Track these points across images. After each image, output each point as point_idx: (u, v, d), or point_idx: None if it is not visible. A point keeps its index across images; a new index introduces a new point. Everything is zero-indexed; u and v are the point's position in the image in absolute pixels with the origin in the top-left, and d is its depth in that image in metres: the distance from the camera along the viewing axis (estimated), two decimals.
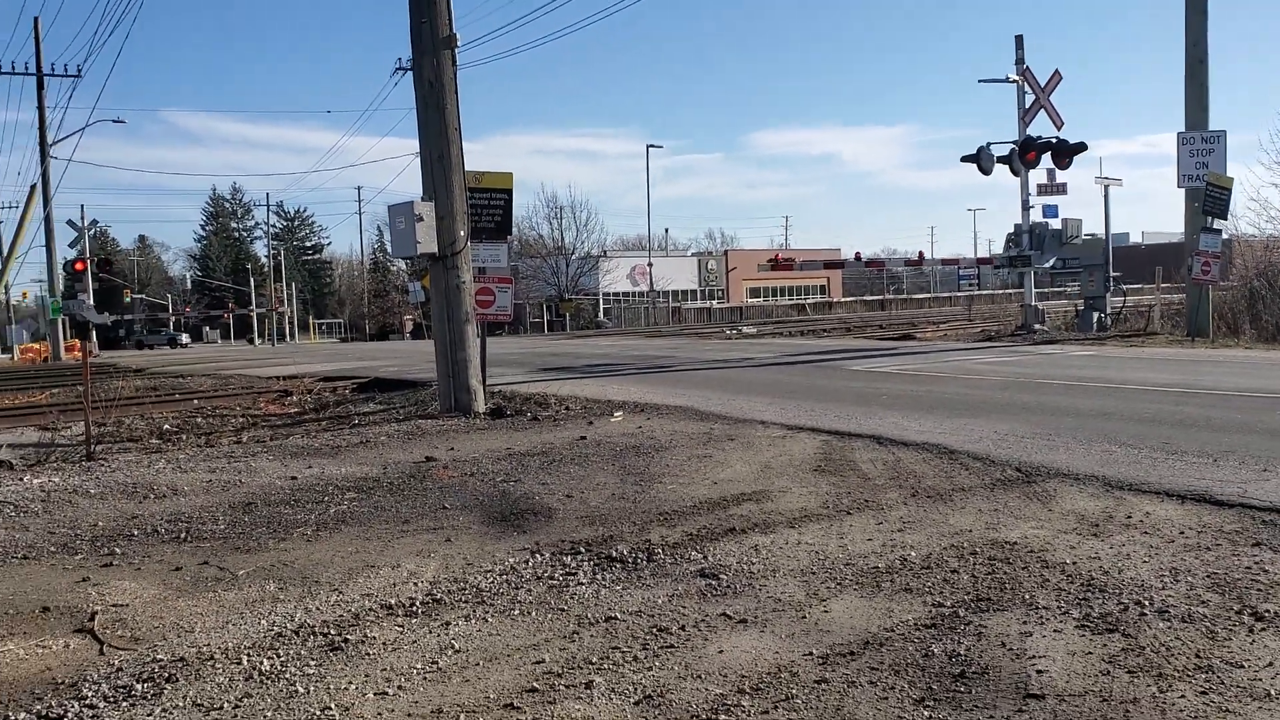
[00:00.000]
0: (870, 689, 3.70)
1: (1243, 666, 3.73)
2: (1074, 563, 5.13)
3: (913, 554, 5.39)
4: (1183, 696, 3.51)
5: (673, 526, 6.18)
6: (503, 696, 3.72)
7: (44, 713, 3.70)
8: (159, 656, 4.23)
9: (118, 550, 5.98)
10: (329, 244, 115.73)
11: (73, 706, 3.74)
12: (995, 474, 7.33)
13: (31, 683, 4.03)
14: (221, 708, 3.68)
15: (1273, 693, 3.50)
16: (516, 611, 4.71)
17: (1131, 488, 6.73)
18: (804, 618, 4.50)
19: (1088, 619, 4.31)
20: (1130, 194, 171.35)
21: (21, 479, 8.22)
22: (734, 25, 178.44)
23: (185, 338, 74.53)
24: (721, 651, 4.12)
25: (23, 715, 3.68)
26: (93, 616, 4.78)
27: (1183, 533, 5.63)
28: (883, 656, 4.00)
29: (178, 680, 3.95)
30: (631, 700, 3.67)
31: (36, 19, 45.31)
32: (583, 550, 5.70)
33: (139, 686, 3.90)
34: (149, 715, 3.63)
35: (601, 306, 69.98)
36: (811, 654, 4.05)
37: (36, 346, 51.60)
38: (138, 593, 5.17)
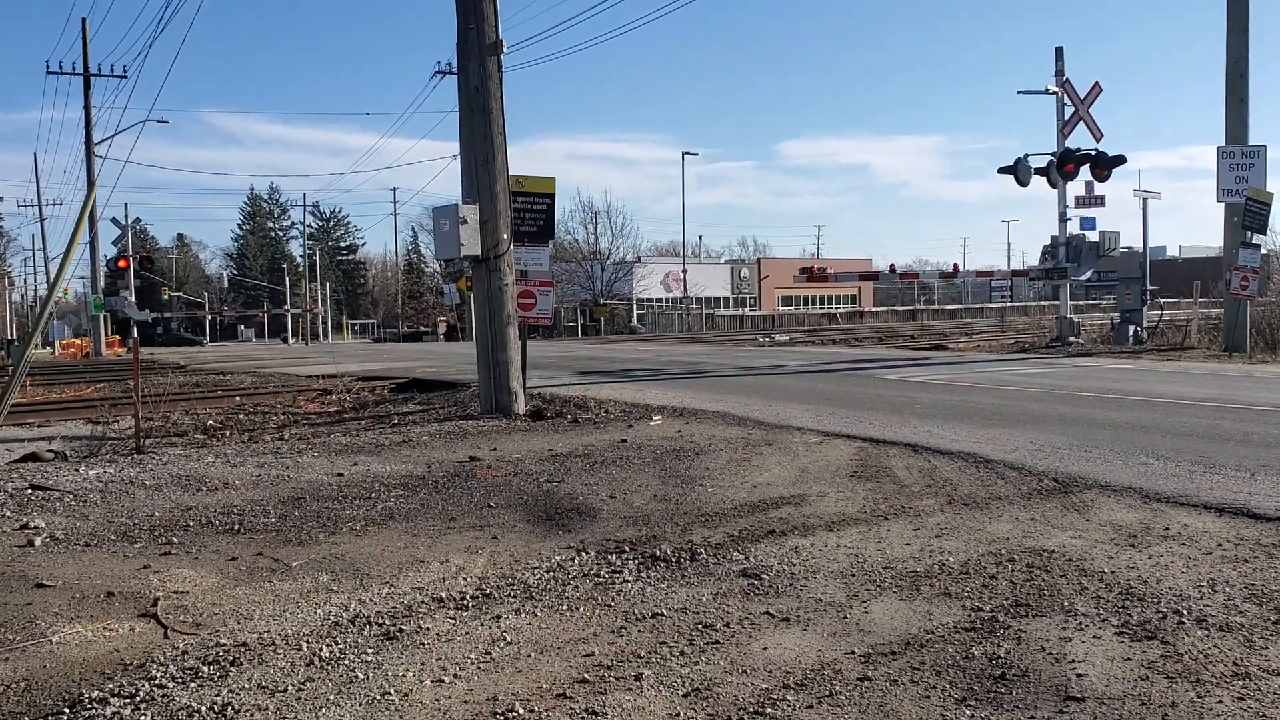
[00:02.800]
0: (912, 687, 3.80)
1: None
2: (1112, 572, 5.20)
3: (951, 559, 5.48)
4: (1220, 702, 3.59)
5: (714, 528, 6.29)
6: (555, 687, 3.85)
7: (116, 691, 3.86)
8: (222, 641, 4.40)
9: (175, 540, 6.17)
10: (364, 244, 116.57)
11: (143, 686, 3.90)
12: (1032, 484, 7.40)
13: (101, 663, 4.20)
14: (285, 690, 3.84)
15: None
16: (565, 607, 4.84)
17: (1169, 500, 6.78)
18: (845, 618, 4.60)
19: (1126, 626, 4.39)
20: (1168, 207, 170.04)
21: (77, 470, 8.44)
22: (766, 34, 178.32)
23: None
24: (766, 649, 4.23)
25: (95, 694, 3.84)
26: (155, 602, 4.95)
27: (1220, 545, 5.68)
28: (924, 657, 4.10)
29: (241, 664, 4.11)
30: (680, 693, 3.78)
31: (84, 20, 46.03)
32: (627, 549, 5.83)
33: (205, 669, 4.06)
34: (216, 696, 3.78)
35: (635, 312, 70.19)
36: (854, 653, 4.16)
37: (78, 342, 52.39)
38: (197, 581, 5.34)
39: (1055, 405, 12.18)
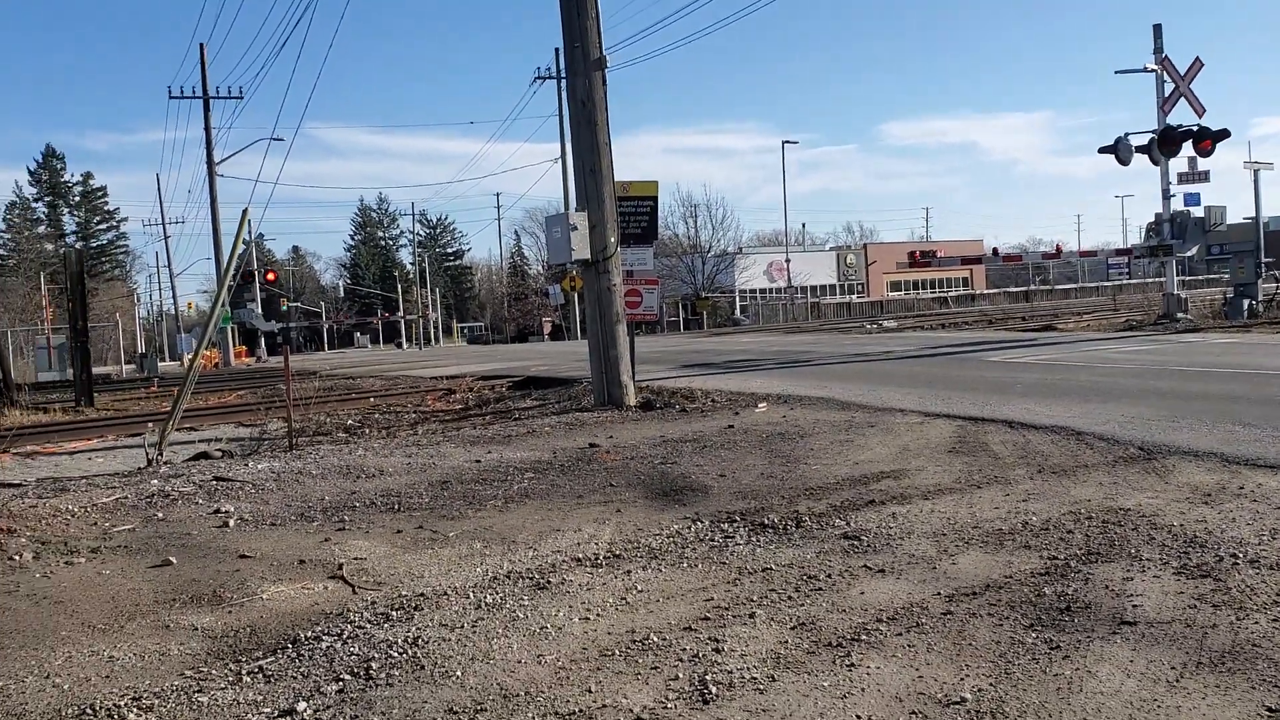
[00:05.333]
0: (988, 619, 4.45)
1: None
2: (1181, 525, 5.73)
3: (1034, 519, 6.07)
4: (1256, 624, 4.15)
5: (818, 500, 6.97)
6: (682, 622, 4.61)
7: (325, 631, 4.74)
8: (402, 593, 5.26)
9: (346, 518, 7.10)
10: (469, 250, 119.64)
11: (345, 628, 4.77)
12: (1118, 452, 7.89)
13: (307, 613, 5.09)
14: (462, 626, 4.67)
15: None
16: (685, 564, 5.59)
17: (1248, 463, 7.22)
18: (934, 569, 5.25)
19: (1184, 568, 4.95)
20: None
21: (246, 464, 9.51)
22: (860, 16, 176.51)
23: None
24: (863, 593, 4.92)
25: (309, 633, 4.73)
26: (340, 567, 5.85)
27: None
28: (1000, 596, 4.74)
29: (423, 609, 4.97)
30: (788, 626, 4.50)
31: (203, 46, 48.40)
32: (738, 519, 6.55)
33: (394, 614, 4.93)
34: (407, 632, 4.63)
35: (738, 304, 70.64)
36: (939, 594, 4.82)
37: (208, 353, 55.14)
38: (371, 550, 6.24)
39: (1151, 380, 12.50)
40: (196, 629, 4.90)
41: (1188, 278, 54.45)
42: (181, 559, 6.17)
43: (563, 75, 51.22)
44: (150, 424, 13.44)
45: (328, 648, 4.51)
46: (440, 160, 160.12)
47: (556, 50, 52.69)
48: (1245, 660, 3.78)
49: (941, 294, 77.73)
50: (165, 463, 10.05)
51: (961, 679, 3.80)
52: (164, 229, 76.05)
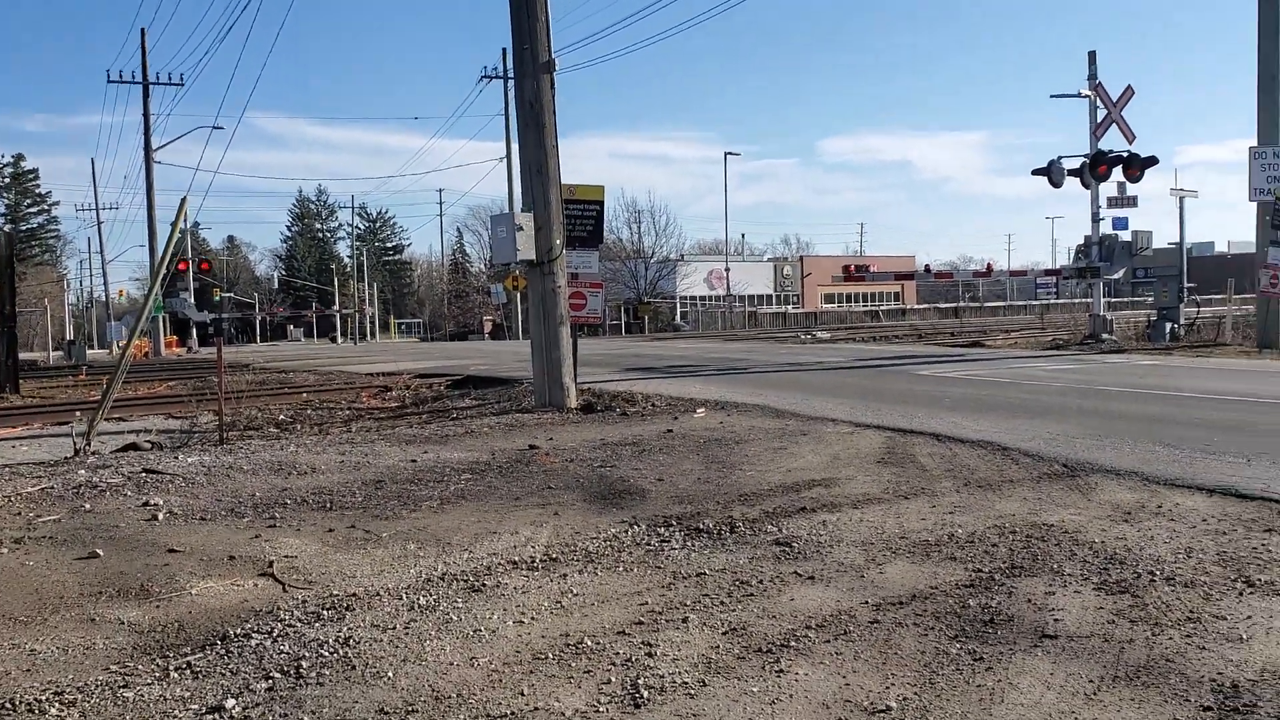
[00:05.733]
0: (914, 629, 4.55)
1: (1225, 619, 4.51)
2: (1102, 542, 5.89)
3: (960, 531, 6.20)
4: (1170, 639, 4.30)
5: (752, 506, 7.06)
6: (616, 626, 4.65)
7: (255, 629, 4.70)
8: (334, 593, 5.23)
9: (277, 515, 7.04)
10: (409, 245, 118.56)
11: (276, 626, 4.74)
12: (1043, 469, 8.08)
13: (236, 610, 5.04)
14: (394, 628, 4.66)
15: (1244, 637, 4.29)
16: (621, 568, 5.63)
17: (1167, 483, 7.44)
18: (862, 577, 5.35)
19: (1105, 584, 5.10)
20: (1218, 201, 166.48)
21: (176, 457, 9.37)
22: (805, 32, 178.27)
23: None
24: (793, 600, 5.00)
25: (238, 630, 4.69)
26: (270, 564, 5.79)
27: (1205, 520, 6.35)
28: (926, 606, 4.84)
29: (354, 609, 4.95)
30: (720, 632, 4.56)
31: (144, 31, 47.49)
32: (674, 523, 6.61)
33: (325, 613, 4.90)
34: (338, 632, 4.62)
35: (679, 310, 70.95)
36: (867, 602, 4.91)
37: (138, 343, 54.05)
38: (302, 548, 6.19)
39: (1077, 399, 12.81)
40: (123, 623, 4.84)
41: (1113, 299, 55.71)
42: (109, 551, 6.08)
43: (510, 75, 51.03)
44: (78, 413, 13.18)
45: (257, 645, 4.48)
46: (383, 154, 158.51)
47: (504, 50, 52.56)
48: (1159, 674, 3.92)
49: (874, 307, 78.79)
50: (93, 453, 9.86)
51: (887, 688, 3.89)
52: (97, 215, 74.36)
